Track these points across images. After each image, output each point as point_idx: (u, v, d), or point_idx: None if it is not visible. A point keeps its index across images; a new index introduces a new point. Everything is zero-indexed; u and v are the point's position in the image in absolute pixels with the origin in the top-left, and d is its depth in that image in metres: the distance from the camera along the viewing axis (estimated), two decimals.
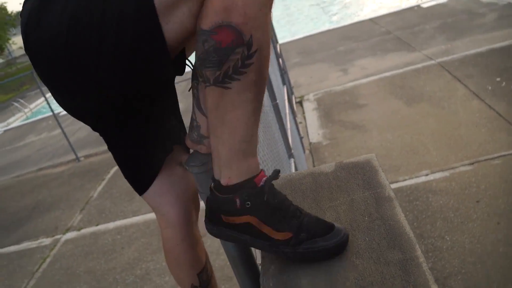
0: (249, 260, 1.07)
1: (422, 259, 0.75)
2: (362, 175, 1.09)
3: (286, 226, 0.89)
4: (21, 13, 0.95)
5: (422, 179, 3.84)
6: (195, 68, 0.98)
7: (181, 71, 1.02)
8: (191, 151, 1.14)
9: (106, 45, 0.84)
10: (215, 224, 0.95)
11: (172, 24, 0.84)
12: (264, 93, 0.91)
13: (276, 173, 0.92)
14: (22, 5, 0.95)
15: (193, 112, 1.09)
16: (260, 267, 0.98)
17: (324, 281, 0.81)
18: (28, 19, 0.89)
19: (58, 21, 0.85)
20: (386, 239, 0.84)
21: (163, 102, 1.19)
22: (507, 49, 6.14)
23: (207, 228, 0.98)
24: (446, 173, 3.81)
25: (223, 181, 0.92)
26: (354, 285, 0.76)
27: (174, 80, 1.13)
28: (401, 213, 0.89)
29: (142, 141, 1.13)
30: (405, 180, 3.91)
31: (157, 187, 1.22)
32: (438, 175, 3.82)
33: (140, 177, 1.22)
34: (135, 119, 1.07)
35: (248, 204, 0.89)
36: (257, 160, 0.94)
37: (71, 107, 1.02)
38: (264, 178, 0.92)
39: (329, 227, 0.90)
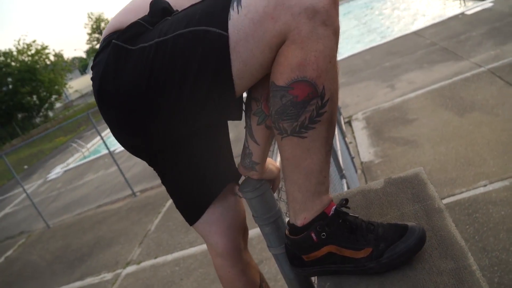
0: (306, 281, 1.09)
1: (475, 266, 0.74)
2: (411, 189, 1.09)
3: (364, 242, 0.93)
4: (92, 66, 1.04)
5: (481, 190, 3.70)
6: (248, 100, 1.05)
7: (240, 116, 1.08)
8: (242, 177, 1.18)
9: (182, 95, 0.91)
10: (299, 266, 0.99)
11: (244, 80, 0.90)
12: (334, 135, 0.97)
13: (344, 202, 0.97)
14: (93, 58, 1.05)
15: (246, 140, 1.15)
16: (316, 286, 0.99)
17: None
18: (104, 73, 0.97)
19: (138, 76, 0.92)
20: (438, 249, 0.84)
21: (218, 138, 1.27)
22: None
23: (294, 272, 1.03)
24: (506, 182, 3.65)
25: (299, 222, 0.97)
26: None
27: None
28: (451, 224, 0.89)
29: (195, 174, 1.19)
30: (462, 192, 3.78)
31: (208, 216, 1.27)
32: (497, 185, 3.67)
33: (191, 207, 1.28)
34: (189, 155, 1.15)
35: (323, 235, 0.94)
36: (329, 196, 0.99)
37: (133, 145, 1.11)
38: (334, 207, 0.97)
39: (403, 228, 0.92)
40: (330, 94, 0.87)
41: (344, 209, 0.97)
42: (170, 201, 6.73)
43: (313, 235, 0.94)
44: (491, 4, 10.24)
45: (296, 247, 0.97)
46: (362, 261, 0.91)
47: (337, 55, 0.91)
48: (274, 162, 1.27)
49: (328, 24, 0.83)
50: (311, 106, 0.86)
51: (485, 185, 3.74)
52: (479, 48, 7.44)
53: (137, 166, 9.70)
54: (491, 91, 5.51)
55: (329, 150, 0.94)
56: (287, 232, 1.00)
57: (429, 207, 0.98)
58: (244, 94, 1.02)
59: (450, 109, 5.50)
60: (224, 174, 1.24)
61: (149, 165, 1.21)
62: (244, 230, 1.39)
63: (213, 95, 0.91)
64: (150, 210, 6.81)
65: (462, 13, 10.67)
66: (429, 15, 13.36)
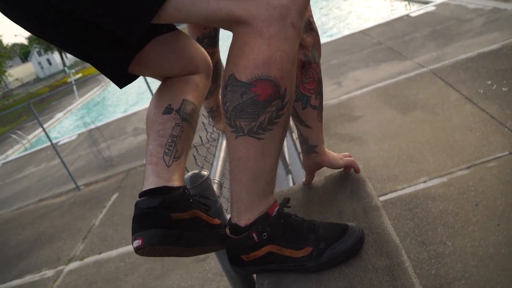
0: (247, 279, 1.09)
1: (407, 263, 0.76)
2: (350, 187, 1.11)
3: (305, 242, 0.92)
4: None
5: (421, 186, 3.86)
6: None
7: (122, 83, 1.01)
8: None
9: None
10: (239, 265, 0.97)
11: (178, 13, 0.82)
12: (284, 137, 0.94)
13: (286, 201, 0.96)
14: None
15: (297, 129, 1.19)
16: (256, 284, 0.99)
17: None
18: None
19: None
20: (374, 246, 0.86)
21: None
22: (496, 52, 6.21)
23: (234, 271, 1.01)
24: (444, 179, 3.82)
25: (243, 223, 0.94)
26: None
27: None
28: (387, 221, 0.91)
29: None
30: (404, 188, 3.92)
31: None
32: (436, 181, 3.84)
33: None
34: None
35: (264, 235, 0.91)
36: (273, 196, 0.97)
37: None
38: (277, 208, 0.94)
39: (344, 229, 0.92)
40: (289, 96, 0.85)
41: (285, 209, 0.96)
42: (115, 195, 6.58)
43: (254, 235, 0.91)
44: (433, 8, 10.67)
45: (236, 246, 0.95)
46: (302, 260, 0.91)
47: None
48: (340, 155, 1.25)
49: (295, 26, 0.82)
50: (272, 107, 0.83)
51: (425, 181, 3.90)
52: (422, 49, 7.73)
53: (82, 159, 9.41)
54: (432, 91, 5.75)
55: (280, 151, 0.93)
56: (228, 231, 0.97)
57: (366, 205, 1.00)
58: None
59: (394, 107, 5.69)
60: None
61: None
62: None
63: None
64: (95, 204, 6.62)
65: (407, 15, 11.05)
66: (376, 16, 13.73)
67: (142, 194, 0.92)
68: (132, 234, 0.89)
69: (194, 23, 0.85)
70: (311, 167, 1.25)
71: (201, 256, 4.19)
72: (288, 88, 0.84)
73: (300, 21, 0.83)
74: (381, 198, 3.89)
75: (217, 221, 1.03)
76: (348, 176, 1.17)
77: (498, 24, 7.53)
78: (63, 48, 0.97)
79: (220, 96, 0.94)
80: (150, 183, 0.94)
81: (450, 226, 3.27)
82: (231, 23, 0.83)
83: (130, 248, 4.89)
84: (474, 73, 5.79)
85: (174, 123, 1.00)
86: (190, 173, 1.08)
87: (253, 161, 0.88)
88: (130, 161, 8.05)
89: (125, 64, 0.99)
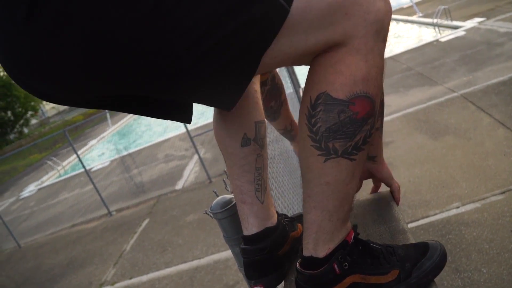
0: None
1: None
2: (377, 211, 1.12)
3: (389, 265, 0.87)
4: None
5: (453, 212, 3.78)
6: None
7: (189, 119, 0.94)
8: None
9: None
10: None
11: (274, 60, 0.76)
12: None
13: (356, 227, 0.92)
14: None
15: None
16: None
17: None
18: None
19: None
20: None
21: None
22: None
23: None
24: (478, 204, 3.74)
25: (322, 254, 0.87)
26: None
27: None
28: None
29: None
30: (436, 214, 3.85)
31: None
32: (469, 207, 3.75)
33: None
34: None
35: (346, 265, 0.85)
36: (349, 222, 0.91)
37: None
38: (353, 234, 0.89)
39: (424, 246, 0.91)
40: (381, 112, 0.86)
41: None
42: (147, 221, 6.66)
43: (335, 266, 0.84)
44: (464, 33, 10.59)
45: (314, 282, 0.86)
46: (391, 285, 0.85)
47: None
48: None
49: (385, 40, 0.81)
50: (368, 125, 0.79)
51: (457, 207, 3.82)
52: (452, 74, 7.65)
53: (114, 185, 9.59)
54: (464, 115, 5.66)
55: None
56: (299, 266, 0.89)
57: (393, 228, 1.01)
58: None
59: (425, 132, 5.62)
60: None
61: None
62: None
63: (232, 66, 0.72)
64: (126, 230, 6.72)
65: (437, 40, 10.99)
66: (406, 42, 13.70)
67: (248, 240, 0.94)
68: (249, 279, 0.95)
69: (288, 65, 0.85)
70: (362, 175, 1.22)
71: (232, 281, 4.19)
72: (381, 104, 0.84)
73: (387, 37, 0.82)
74: (413, 224, 3.82)
75: (300, 229, 1.05)
76: (375, 201, 1.18)
77: None
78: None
79: (301, 117, 0.84)
80: (253, 227, 0.96)
81: (485, 252, 3.18)
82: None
83: (160, 273, 4.93)
84: (507, 97, 5.69)
85: (255, 155, 0.99)
86: (218, 198, 1.12)
87: (342, 185, 0.82)
88: (161, 187, 8.16)
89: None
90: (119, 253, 5.94)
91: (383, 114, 1.17)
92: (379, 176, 1.26)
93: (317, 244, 0.87)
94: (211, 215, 1.11)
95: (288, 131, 1.60)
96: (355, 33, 0.76)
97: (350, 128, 0.78)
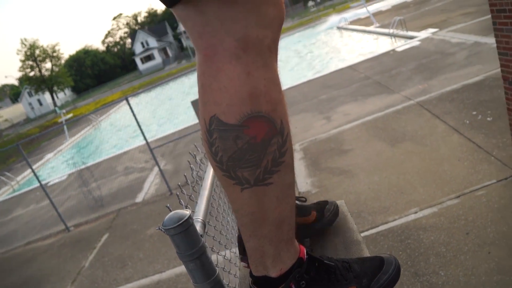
0: None
1: None
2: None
3: (346, 282, 0.85)
4: None
5: (412, 217, 3.85)
6: None
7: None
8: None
9: None
10: None
11: None
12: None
13: (308, 242, 0.92)
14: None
15: None
16: None
17: None
18: None
19: None
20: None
21: None
22: (479, 84, 6.33)
23: None
24: (435, 209, 3.82)
25: (275, 274, 0.82)
26: None
27: None
28: (367, 255, 0.91)
29: None
30: (395, 220, 3.91)
31: None
32: (427, 212, 3.83)
33: None
34: None
35: (303, 283, 0.81)
36: (295, 239, 0.86)
37: None
38: (305, 250, 0.85)
39: (380, 260, 0.89)
40: (287, 128, 0.72)
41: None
42: (106, 236, 6.49)
43: (293, 286, 0.80)
44: (418, 43, 10.94)
45: None
46: None
47: None
48: None
49: (272, 52, 0.71)
50: (272, 146, 0.70)
51: (415, 212, 3.89)
52: (409, 82, 7.87)
53: (71, 199, 9.30)
54: (420, 122, 5.82)
55: (294, 185, 0.79)
56: (253, 285, 0.85)
57: (348, 239, 1.00)
58: None
59: (383, 139, 5.73)
60: None
61: None
62: None
63: None
64: (84, 246, 6.51)
65: (393, 50, 11.30)
66: (364, 51, 14.01)
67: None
68: (240, 254, 0.95)
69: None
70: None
71: None
72: (283, 120, 0.71)
73: (276, 43, 0.72)
74: (373, 231, 3.87)
75: (313, 216, 1.07)
76: None
77: (480, 57, 7.71)
78: None
79: (203, 143, 0.77)
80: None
81: (442, 255, 3.25)
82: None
83: None
84: (460, 104, 5.88)
85: None
86: (170, 213, 1.07)
87: (269, 211, 0.76)
88: (121, 200, 7.97)
89: None
90: (77, 270, 5.74)
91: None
92: None
93: (266, 266, 0.83)
94: (164, 230, 1.07)
95: None
96: (231, 35, 0.66)
97: (253, 155, 0.69)
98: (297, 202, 1.07)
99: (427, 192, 4.14)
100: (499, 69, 3.59)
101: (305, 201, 1.13)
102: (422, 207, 3.94)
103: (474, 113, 5.41)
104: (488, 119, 5.10)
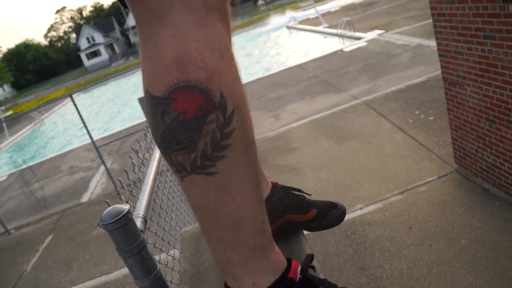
0: None
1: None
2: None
3: None
4: None
5: (358, 213, 3.94)
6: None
7: None
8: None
9: None
10: None
11: None
12: (257, 160, 0.68)
13: (310, 258, 0.79)
14: None
15: None
16: None
17: None
18: None
19: None
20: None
21: None
22: (422, 84, 6.58)
23: None
24: (380, 205, 3.94)
25: None
26: None
27: None
28: (307, 246, 0.92)
29: None
30: None
31: None
32: (372, 207, 3.94)
33: None
34: None
35: None
36: (278, 251, 0.72)
37: None
38: (299, 268, 0.72)
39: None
40: (234, 103, 0.58)
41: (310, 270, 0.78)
42: (50, 238, 6.25)
43: None
44: (365, 43, 11.24)
45: None
46: None
47: None
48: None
49: (210, 7, 0.58)
50: (210, 124, 0.57)
51: (361, 208, 3.99)
52: (355, 82, 8.06)
53: (12, 201, 8.89)
54: (366, 121, 5.97)
55: (257, 183, 0.65)
56: None
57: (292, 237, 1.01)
58: None
59: (330, 137, 5.84)
60: None
61: None
62: None
63: None
64: (26, 249, 6.23)
65: (341, 50, 11.54)
66: (313, 50, 14.23)
67: None
68: None
69: None
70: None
71: None
72: (225, 91, 0.57)
73: (218, 3, 0.59)
74: None
75: (311, 214, 1.00)
76: None
77: (423, 59, 8.02)
78: None
79: None
80: None
81: (386, 250, 3.35)
82: None
83: None
84: (404, 103, 6.09)
85: None
86: (109, 208, 1.04)
87: (218, 207, 0.62)
88: (65, 201, 7.69)
89: None
90: (18, 275, 5.49)
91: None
92: None
93: (236, 277, 0.69)
94: (102, 226, 1.03)
95: None
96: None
97: (184, 134, 0.57)
98: (295, 199, 1.03)
99: (372, 188, 4.25)
100: (440, 71, 3.74)
101: (304, 199, 1.05)
102: (367, 203, 4.04)
103: (417, 112, 5.62)
104: (430, 118, 5.31)
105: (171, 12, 0.56)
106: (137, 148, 1.74)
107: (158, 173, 1.69)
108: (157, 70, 0.57)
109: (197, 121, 0.56)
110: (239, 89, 0.61)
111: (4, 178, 11.67)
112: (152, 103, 0.58)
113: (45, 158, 12.38)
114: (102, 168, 8.52)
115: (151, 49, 0.58)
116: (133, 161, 1.64)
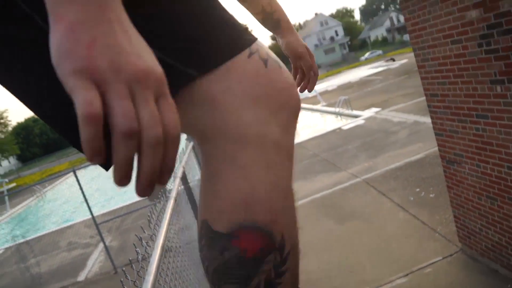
0: None
1: None
2: None
3: None
4: None
5: None
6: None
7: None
8: None
9: None
10: None
11: None
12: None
13: None
14: None
15: None
16: None
17: None
18: None
19: None
20: None
21: None
22: (421, 161, 6.67)
23: None
24: None
25: None
26: None
27: None
28: None
29: None
30: None
31: None
32: None
33: None
34: None
35: None
36: None
37: None
38: None
39: None
40: (292, 244, 0.61)
41: None
42: None
43: None
44: (363, 121, 11.51)
45: None
46: None
47: None
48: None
49: (281, 145, 0.59)
50: (267, 264, 0.58)
51: None
52: (355, 160, 8.16)
53: (6, 277, 8.66)
54: (366, 200, 5.98)
55: None
56: None
57: None
58: None
59: (332, 217, 5.82)
60: None
61: None
62: None
63: None
64: None
65: (340, 128, 11.79)
66: (312, 129, 14.52)
67: None
68: None
69: None
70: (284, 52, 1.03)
71: None
72: (286, 233, 0.59)
73: (287, 136, 0.61)
74: None
75: None
76: None
77: (420, 135, 8.19)
78: None
79: None
80: None
81: None
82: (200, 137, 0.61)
83: None
84: (404, 181, 6.13)
85: None
86: None
87: None
88: (61, 279, 7.50)
89: None
90: None
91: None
92: (293, 53, 0.98)
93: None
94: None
95: (269, 14, 1.06)
96: (226, 131, 0.57)
97: (241, 271, 0.58)
98: None
99: (376, 271, 4.17)
100: (437, 147, 3.82)
101: None
102: (371, 286, 3.95)
103: (418, 190, 5.64)
104: (431, 195, 5.33)
105: (243, 152, 0.56)
106: (141, 236, 1.75)
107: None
108: (224, 207, 0.58)
109: (257, 260, 0.58)
110: (296, 229, 0.64)
111: (0, 252, 11.46)
112: (211, 236, 0.59)
113: (44, 233, 12.23)
114: (101, 245, 8.39)
115: (219, 186, 0.58)
116: (137, 249, 1.65)
